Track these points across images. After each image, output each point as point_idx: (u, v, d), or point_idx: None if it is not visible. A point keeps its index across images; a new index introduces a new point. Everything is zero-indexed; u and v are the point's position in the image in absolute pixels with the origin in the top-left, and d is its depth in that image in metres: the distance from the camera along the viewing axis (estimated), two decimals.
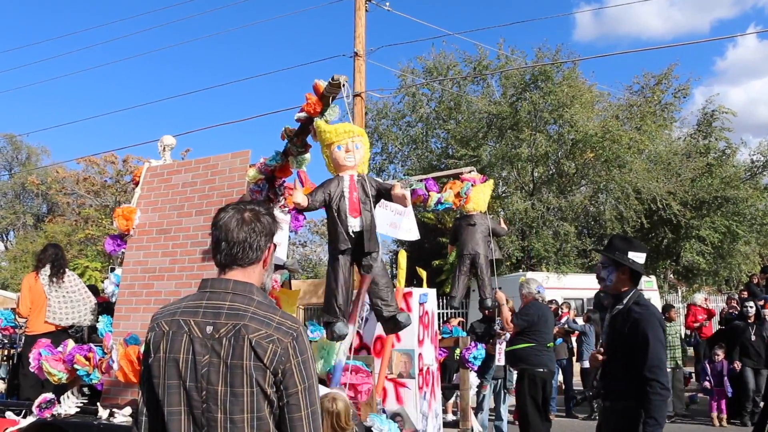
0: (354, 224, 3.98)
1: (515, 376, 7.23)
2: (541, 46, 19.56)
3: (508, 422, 8.01)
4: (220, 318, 1.89)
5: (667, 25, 60.34)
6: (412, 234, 7.23)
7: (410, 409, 5.22)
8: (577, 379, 11.75)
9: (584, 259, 19.78)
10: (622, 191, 18.16)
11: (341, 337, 4.08)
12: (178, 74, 65.12)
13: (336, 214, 4.01)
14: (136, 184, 5.41)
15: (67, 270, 6.53)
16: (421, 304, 5.61)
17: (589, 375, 10.77)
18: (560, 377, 11.19)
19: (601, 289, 3.96)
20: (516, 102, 18.93)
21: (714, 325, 13.45)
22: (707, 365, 9.99)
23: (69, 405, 4.57)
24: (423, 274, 6.51)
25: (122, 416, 4.27)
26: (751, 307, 9.88)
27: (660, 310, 4.94)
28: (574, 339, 11.50)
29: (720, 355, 9.84)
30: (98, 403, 4.49)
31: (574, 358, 11.58)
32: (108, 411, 4.35)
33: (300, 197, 3.99)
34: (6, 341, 8.49)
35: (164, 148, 5.74)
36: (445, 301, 16.02)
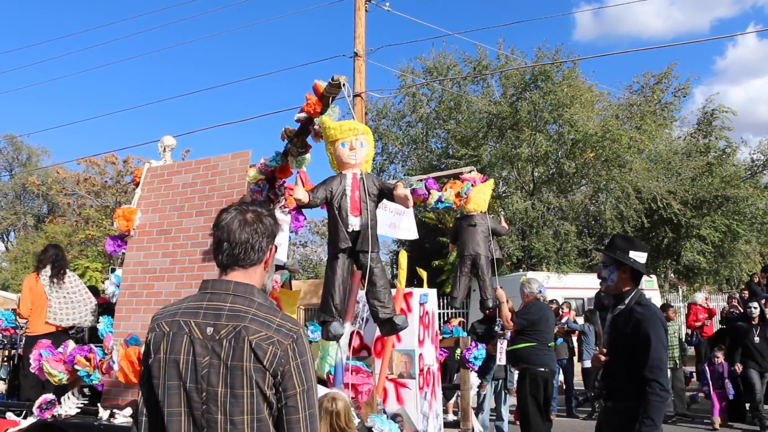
0: (354, 223, 3.98)
1: (516, 376, 7.22)
2: (541, 45, 19.59)
3: (509, 422, 8.01)
4: (220, 319, 1.89)
5: (667, 25, 60.38)
6: (411, 233, 7.23)
7: (411, 410, 5.22)
8: (578, 379, 11.75)
9: (585, 258, 19.78)
10: (623, 191, 18.16)
11: (336, 337, 4.08)
12: (178, 75, 65.17)
13: (337, 212, 4.00)
14: (137, 184, 5.40)
15: (67, 271, 6.53)
16: (421, 304, 5.61)
17: (591, 375, 10.76)
18: (561, 377, 11.19)
19: (601, 288, 3.95)
20: (516, 102, 18.93)
21: (715, 325, 13.44)
22: (707, 368, 9.82)
23: (69, 406, 4.57)
24: (423, 274, 6.51)
25: (123, 417, 4.27)
26: (755, 308, 9.55)
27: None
28: (575, 339, 11.49)
29: (720, 357, 9.69)
30: (99, 404, 4.49)
31: (575, 358, 11.58)
32: (108, 412, 4.35)
33: (301, 193, 3.98)
34: (6, 342, 8.48)
35: (164, 148, 5.73)
36: (445, 301, 16.02)
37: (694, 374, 11.91)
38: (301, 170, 4.78)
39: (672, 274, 21.93)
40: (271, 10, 60.09)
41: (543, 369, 6.54)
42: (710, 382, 9.61)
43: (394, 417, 4.66)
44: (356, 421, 3.56)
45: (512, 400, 8.10)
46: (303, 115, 4.15)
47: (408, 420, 5.03)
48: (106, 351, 4.47)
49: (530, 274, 14.21)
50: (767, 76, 60.28)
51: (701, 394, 10.93)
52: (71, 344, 4.66)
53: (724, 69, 64.45)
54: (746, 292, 12.25)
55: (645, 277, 15.86)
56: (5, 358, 9.02)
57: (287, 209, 5.19)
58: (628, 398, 3.49)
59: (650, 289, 16.73)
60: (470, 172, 6.93)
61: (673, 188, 18.96)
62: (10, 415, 4.63)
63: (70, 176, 26.63)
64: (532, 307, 6.70)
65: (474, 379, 7.72)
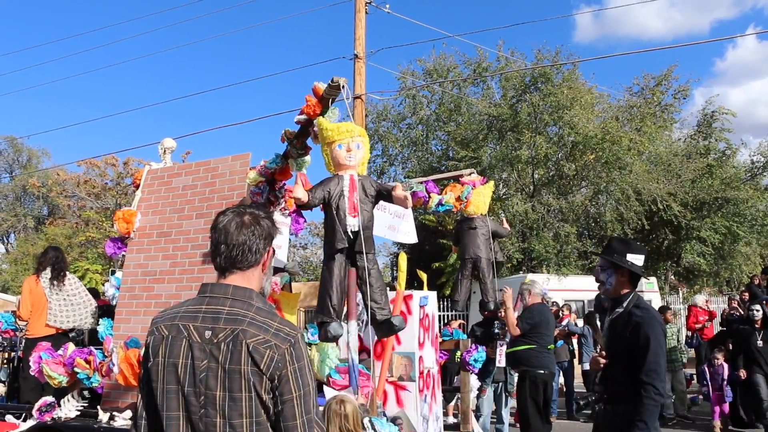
0: (353, 224, 3.97)
1: (516, 379, 7.21)
2: (541, 47, 19.61)
3: (510, 425, 8.00)
4: (218, 323, 1.89)
5: (666, 27, 60.40)
6: (411, 237, 7.22)
7: (411, 412, 5.22)
8: (578, 381, 11.74)
9: (585, 260, 19.79)
10: (623, 193, 18.17)
11: (336, 338, 4.07)
12: (178, 77, 65.20)
13: (335, 213, 4.00)
14: (137, 186, 5.41)
15: (67, 273, 6.53)
16: (421, 306, 5.61)
17: (590, 377, 10.74)
18: (561, 379, 11.18)
19: (600, 292, 3.95)
20: (516, 104, 18.95)
21: (715, 327, 13.43)
22: (706, 369, 9.64)
23: (69, 408, 4.57)
24: (423, 276, 6.51)
25: (122, 419, 4.26)
26: (757, 310, 9.28)
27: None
28: (575, 341, 11.48)
29: (719, 358, 9.51)
30: (98, 407, 4.48)
31: (576, 360, 11.57)
32: (108, 414, 4.34)
33: (300, 192, 3.98)
34: (6, 344, 8.48)
35: (165, 150, 5.73)
36: (445, 303, 16.02)
37: (695, 376, 11.90)
38: (301, 172, 4.78)
39: (672, 276, 21.93)
40: (271, 12, 60.18)
41: (542, 371, 6.53)
42: (710, 384, 9.47)
43: (394, 420, 4.65)
44: (366, 421, 3.55)
45: (512, 402, 8.09)
46: (303, 117, 4.16)
47: (408, 423, 5.02)
48: (106, 353, 4.46)
49: (530, 276, 14.20)
50: (767, 77, 60.32)
51: (701, 396, 10.91)
52: (71, 347, 4.65)
53: (724, 71, 64.50)
54: (746, 294, 12.24)
55: (645, 279, 15.87)
56: (5, 361, 9.02)
57: (287, 211, 5.19)
58: (626, 401, 3.49)
59: (650, 291, 16.73)
60: (470, 174, 6.92)
61: (673, 190, 18.98)
62: (9, 418, 4.63)
63: (71, 178, 26.65)
64: (534, 311, 6.70)
65: (474, 381, 7.71)
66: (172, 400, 1.88)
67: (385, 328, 4.19)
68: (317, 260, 33.56)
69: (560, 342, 10.61)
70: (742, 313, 10.50)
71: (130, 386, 4.27)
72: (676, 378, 10.07)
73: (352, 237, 3.99)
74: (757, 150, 22.52)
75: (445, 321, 14.30)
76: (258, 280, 2.03)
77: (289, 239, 6.24)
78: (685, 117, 22.38)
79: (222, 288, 1.96)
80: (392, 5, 14.77)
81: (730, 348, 9.73)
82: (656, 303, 15.64)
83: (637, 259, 3.69)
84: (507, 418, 7.89)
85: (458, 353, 6.92)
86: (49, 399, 4.56)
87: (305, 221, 5.68)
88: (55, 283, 6.28)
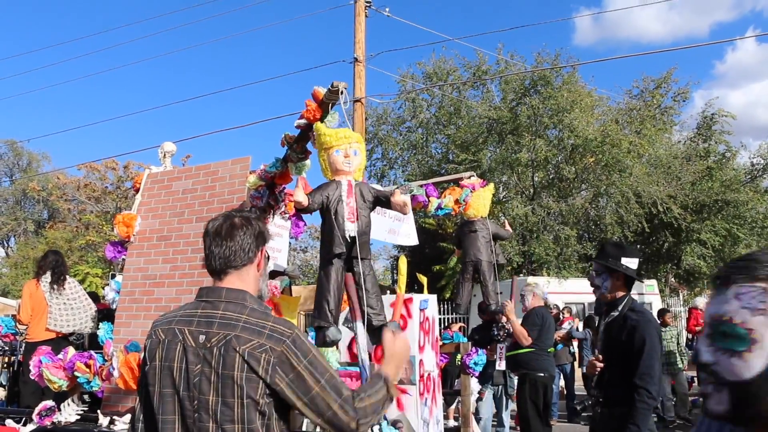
0: (351, 229, 3.98)
1: (516, 382, 7.21)
2: (541, 51, 19.64)
3: (510, 427, 7.99)
4: (212, 327, 1.89)
5: (666, 29, 60.45)
6: (411, 239, 7.22)
7: (411, 416, 5.21)
8: (579, 384, 11.73)
9: (585, 263, 19.79)
10: (623, 195, 18.18)
11: (334, 342, 4.07)
12: (178, 81, 65.28)
13: (333, 218, 4.01)
14: (137, 190, 5.41)
15: (67, 277, 6.53)
16: (421, 310, 5.60)
17: (589, 380, 10.73)
18: (562, 382, 11.17)
19: (595, 296, 3.96)
20: (516, 107, 18.97)
21: None
22: None
23: (69, 412, 4.57)
24: (423, 279, 6.50)
25: (123, 423, 4.26)
26: None
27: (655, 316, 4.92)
28: (575, 343, 11.47)
29: None
30: (98, 411, 4.48)
31: (576, 363, 11.56)
32: (108, 418, 4.34)
33: (301, 196, 3.98)
34: (6, 348, 8.48)
35: (165, 154, 5.74)
36: (445, 306, 16.01)
37: (696, 379, 11.88)
38: (301, 176, 4.78)
39: (672, 279, 21.93)
40: (272, 16, 60.28)
41: (542, 374, 6.53)
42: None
43: (395, 423, 4.65)
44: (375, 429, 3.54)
45: (513, 405, 8.08)
46: (303, 121, 4.16)
47: (408, 426, 5.02)
48: (106, 357, 4.46)
49: (530, 279, 14.20)
50: (766, 80, 60.37)
51: (701, 399, 10.89)
52: (71, 351, 4.65)
53: (724, 73, 64.55)
54: None
55: (646, 282, 15.88)
56: (5, 365, 9.02)
57: (287, 215, 5.20)
58: (623, 404, 3.50)
59: (651, 293, 16.73)
60: (470, 177, 6.93)
61: (673, 192, 18.99)
62: (9, 422, 4.62)
63: (71, 182, 26.67)
64: (536, 315, 6.70)
65: (474, 384, 7.71)
66: (168, 404, 1.88)
67: (380, 335, 4.18)
68: (317, 264, 33.49)
69: (560, 345, 10.61)
70: None
71: (131, 390, 4.27)
72: (678, 380, 10.05)
73: (349, 242, 3.99)
74: (756, 152, 22.54)
75: (446, 324, 14.29)
76: (254, 280, 2.03)
77: (289, 243, 6.25)
78: (685, 120, 22.44)
79: (216, 291, 1.97)
80: (392, 8, 14.82)
81: None
82: (656, 305, 15.63)
83: (631, 263, 3.71)
84: (507, 421, 7.88)
85: (458, 356, 6.91)
86: (49, 403, 4.56)
87: (305, 225, 5.69)
88: (55, 287, 6.28)
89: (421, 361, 5.48)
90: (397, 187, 4.91)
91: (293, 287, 6.58)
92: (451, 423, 9.17)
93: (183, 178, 5.21)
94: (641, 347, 3.45)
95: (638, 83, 21.15)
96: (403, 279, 5.64)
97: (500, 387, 7.80)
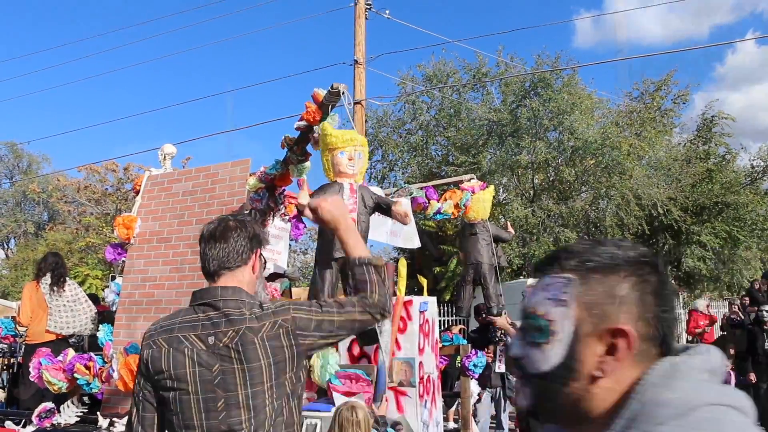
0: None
1: (515, 384, 7.19)
2: (541, 53, 19.65)
3: (510, 430, 7.98)
4: (219, 327, 1.90)
5: (666, 31, 60.49)
6: (413, 242, 7.22)
7: (411, 418, 5.20)
8: None
9: None
10: (623, 197, 18.19)
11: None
12: (178, 83, 65.32)
13: None
14: (137, 192, 5.42)
15: (67, 279, 6.53)
16: (421, 312, 5.60)
17: None
18: None
19: None
20: (516, 109, 18.98)
21: (716, 331, 13.41)
22: None
23: (69, 414, 4.57)
24: (423, 282, 6.51)
25: (122, 425, 4.26)
26: (767, 311, 9.06)
27: None
28: None
29: (728, 365, 9.22)
30: (98, 413, 4.48)
31: None
32: (108, 420, 4.34)
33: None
34: (6, 350, 8.47)
35: (165, 156, 5.75)
36: (445, 308, 16.00)
37: None
38: (301, 178, 4.78)
39: (672, 281, 21.91)
40: (272, 18, 60.36)
41: None
42: None
43: (395, 425, 4.65)
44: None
45: (512, 407, 8.08)
46: (303, 123, 4.16)
47: (408, 428, 5.01)
48: (105, 359, 4.46)
49: (530, 282, 14.18)
50: (766, 82, 60.38)
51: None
52: (71, 352, 4.66)
53: (724, 75, 64.57)
54: (747, 298, 12.23)
55: None
56: (5, 366, 9.02)
57: (287, 217, 5.20)
58: None
59: None
60: (470, 180, 6.93)
61: (674, 195, 18.99)
62: (9, 424, 4.62)
63: (71, 184, 26.66)
64: None
65: (474, 387, 7.70)
66: (186, 410, 1.89)
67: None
68: None
69: None
70: (743, 317, 10.48)
71: (130, 392, 4.26)
72: None
73: None
74: (757, 154, 22.56)
75: (446, 326, 14.28)
76: (248, 281, 2.05)
77: (289, 245, 6.24)
78: (685, 122, 22.44)
79: (211, 291, 1.98)
80: (392, 11, 14.83)
81: (732, 353, 9.65)
82: None
83: None
84: (506, 423, 7.88)
85: (458, 358, 6.90)
86: (49, 405, 4.56)
87: (305, 227, 5.69)
88: (55, 288, 6.28)
89: (420, 363, 5.48)
90: (397, 190, 4.92)
91: (293, 289, 6.58)
92: (451, 425, 9.17)
93: (183, 180, 5.21)
94: None
95: (638, 85, 21.19)
96: (402, 281, 5.64)
97: (498, 389, 7.80)
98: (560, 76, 18.76)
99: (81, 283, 16.49)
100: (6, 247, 41.21)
